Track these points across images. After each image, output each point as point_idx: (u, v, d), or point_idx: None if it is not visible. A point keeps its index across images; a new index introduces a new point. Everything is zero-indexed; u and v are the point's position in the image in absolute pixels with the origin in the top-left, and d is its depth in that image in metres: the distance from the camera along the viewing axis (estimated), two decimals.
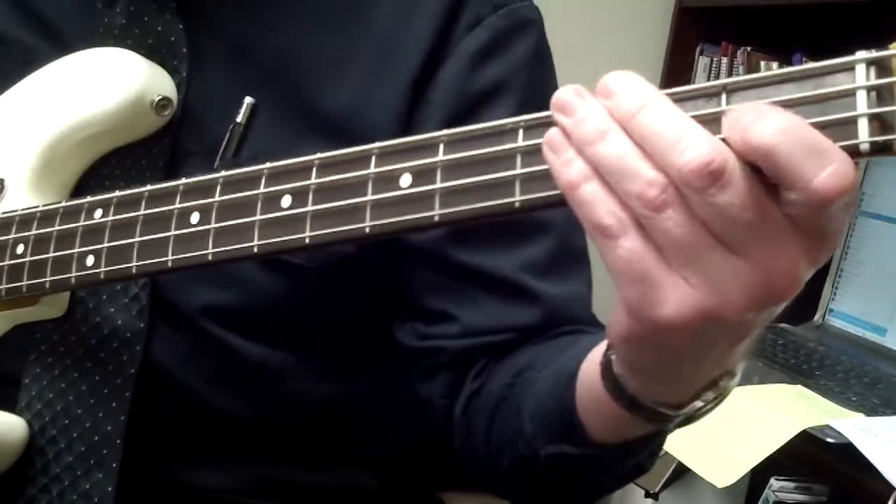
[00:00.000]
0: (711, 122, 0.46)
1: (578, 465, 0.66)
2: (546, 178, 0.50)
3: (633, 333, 0.50)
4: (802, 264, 0.46)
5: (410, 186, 0.55)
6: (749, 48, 2.60)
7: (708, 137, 0.44)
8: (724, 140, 0.45)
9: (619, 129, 0.47)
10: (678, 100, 0.47)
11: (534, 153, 0.51)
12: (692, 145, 0.44)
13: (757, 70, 2.57)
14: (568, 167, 0.48)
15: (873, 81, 0.44)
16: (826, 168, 0.43)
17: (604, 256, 0.48)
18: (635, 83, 0.47)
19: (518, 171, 0.51)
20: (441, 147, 0.54)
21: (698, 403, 0.55)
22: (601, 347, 0.59)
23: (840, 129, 0.44)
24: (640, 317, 0.48)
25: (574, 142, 0.48)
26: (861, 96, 0.44)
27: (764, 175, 0.44)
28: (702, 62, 2.75)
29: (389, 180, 0.55)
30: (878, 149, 0.44)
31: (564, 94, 0.48)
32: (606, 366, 0.57)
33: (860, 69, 0.45)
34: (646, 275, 0.47)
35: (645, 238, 0.46)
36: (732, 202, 0.44)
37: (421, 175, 0.54)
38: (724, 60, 2.67)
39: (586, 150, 0.47)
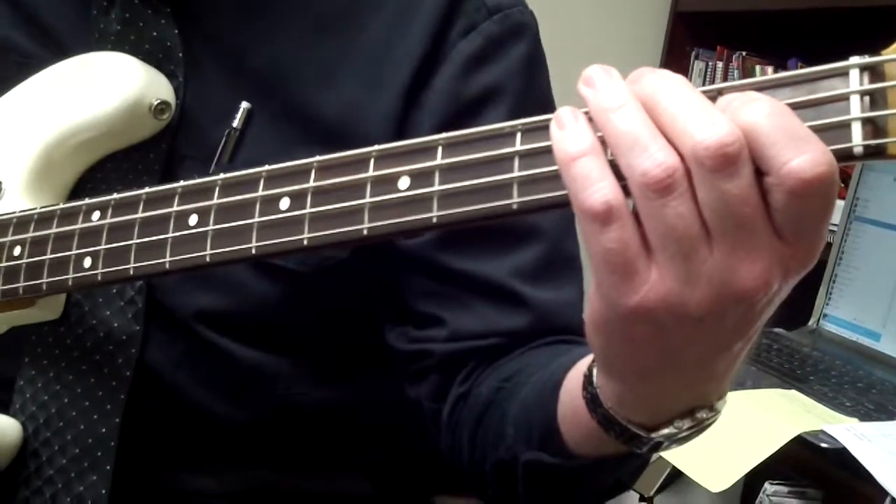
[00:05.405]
0: None
1: (554, 474, 0.66)
2: (543, 180, 0.51)
3: (602, 318, 0.50)
4: (775, 272, 0.46)
5: (408, 189, 0.55)
6: (744, 53, 2.60)
7: (729, 122, 0.44)
8: None
9: (639, 105, 0.46)
10: None
11: (531, 156, 0.51)
12: (714, 124, 0.44)
13: (752, 75, 2.58)
14: (568, 139, 0.48)
15: (867, 86, 0.45)
16: (802, 154, 0.43)
17: (588, 243, 0.47)
18: (664, 72, 0.47)
19: (515, 174, 0.51)
20: (439, 150, 0.54)
21: (671, 430, 0.55)
22: (588, 358, 0.59)
23: (834, 133, 0.45)
24: (610, 302, 0.48)
25: (591, 109, 0.47)
26: (854, 101, 0.45)
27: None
28: (697, 67, 2.76)
29: (387, 183, 0.56)
30: (871, 152, 0.45)
31: (593, 69, 0.48)
32: (588, 377, 0.57)
33: (854, 74, 0.45)
34: (626, 265, 0.47)
35: (634, 227, 0.46)
36: (735, 192, 0.44)
37: (419, 177, 0.55)
38: (720, 65, 2.67)
39: (601, 118, 0.47)
